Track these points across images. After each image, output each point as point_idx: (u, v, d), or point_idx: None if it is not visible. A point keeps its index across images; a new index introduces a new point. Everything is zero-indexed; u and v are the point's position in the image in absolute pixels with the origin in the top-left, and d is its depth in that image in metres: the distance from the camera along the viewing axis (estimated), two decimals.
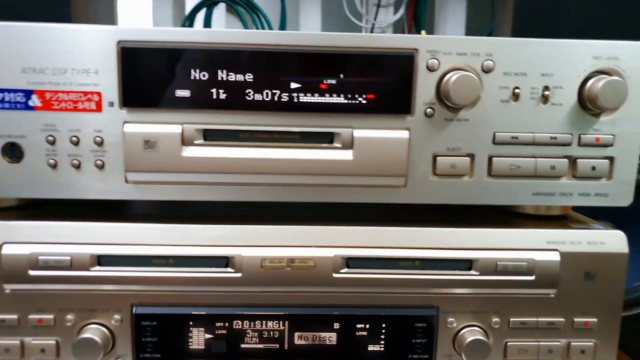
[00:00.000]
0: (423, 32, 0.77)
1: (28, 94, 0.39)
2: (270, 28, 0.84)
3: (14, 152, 0.39)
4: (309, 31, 0.83)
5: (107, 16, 0.68)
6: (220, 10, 0.85)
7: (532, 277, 0.41)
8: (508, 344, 0.43)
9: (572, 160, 0.42)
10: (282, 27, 0.87)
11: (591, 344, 0.43)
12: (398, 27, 0.86)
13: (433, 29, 0.82)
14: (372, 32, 0.83)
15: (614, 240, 0.42)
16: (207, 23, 0.85)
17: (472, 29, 0.81)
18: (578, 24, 0.54)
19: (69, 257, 0.39)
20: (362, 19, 0.85)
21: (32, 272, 0.39)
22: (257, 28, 0.85)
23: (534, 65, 0.40)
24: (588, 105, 0.40)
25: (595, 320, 0.43)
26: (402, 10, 0.83)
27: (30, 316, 0.40)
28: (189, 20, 0.84)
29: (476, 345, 0.41)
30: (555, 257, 0.42)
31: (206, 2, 0.84)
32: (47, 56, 0.38)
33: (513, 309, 0.42)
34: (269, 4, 0.88)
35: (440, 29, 0.80)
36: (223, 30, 0.41)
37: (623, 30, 0.53)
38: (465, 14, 0.79)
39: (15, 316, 0.40)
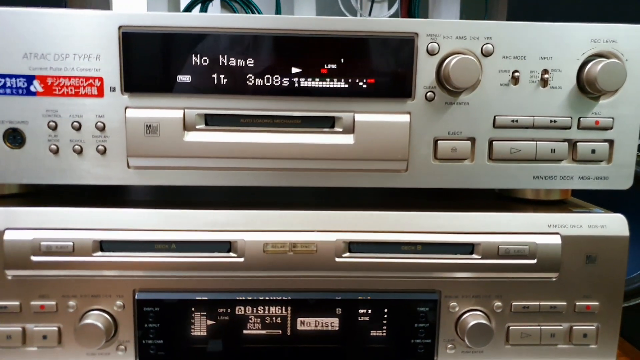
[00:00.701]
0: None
1: (30, 79, 0.39)
2: None
3: (15, 137, 0.39)
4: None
5: (102, 8, 0.68)
6: (215, 6, 0.85)
7: (534, 261, 0.42)
8: (510, 328, 0.43)
9: (572, 144, 0.42)
10: None
11: (593, 327, 0.43)
12: None
13: None
14: None
15: (614, 224, 0.42)
16: None
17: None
18: (572, 11, 0.54)
19: (71, 243, 0.39)
20: (357, 14, 0.85)
21: (34, 258, 0.39)
22: None
23: (533, 49, 0.40)
24: (587, 88, 0.40)
25: (597, 303, 0.43)
26: (396, 5, 0.83)
27: (32, 302, 0.40)
28: None
29: (479, 329, 0.41)
30: (556, 240, 0.42)
31: None
32: (48, 41, 0.38)
33: (515, 293, 0.42)
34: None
35: None
36: (224, 15, 0.41)
37: (618, 15, 0.53)
38: (459, 6, 0.79)
39: (17, 302, 0.40)
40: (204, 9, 0.85)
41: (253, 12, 0.87)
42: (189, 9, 0.85)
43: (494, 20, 0.65)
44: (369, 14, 0.84)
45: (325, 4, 0.88)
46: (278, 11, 0.88)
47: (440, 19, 0.80)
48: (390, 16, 0.85)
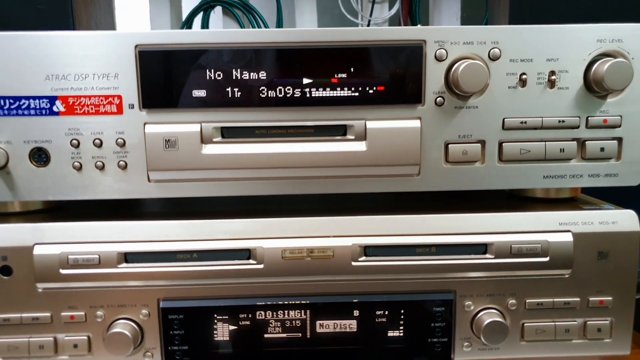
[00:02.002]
0: (419, 25, 0.78)
1: (52, 100, 0.40)
2: (266, 27, 0.85)
3: (40, 156, 0.41)
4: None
5: (107, 22, 0.69)
6: (217, 13, 0.86)
7: (547, 259, 0.42)
8: (525, 324, 0.44)
9: (581, 143, 0.42)
10: (279, 26, 0.88)
11: (607, 322, 0.44)
12: (394, 23, 0.86)
13: (428, 22, 0.83)
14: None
15: (625, 220, 0.43)
16: (205, 26, 0.86)
17: (467, 20, 0.81)
18: (574, 10, 0.54)
19: (97, 256, 0.41)
20: (358, 15, 0.86)
21: (62, 271, 0.41)
22: (254, 28, 0.86)
23: (539, 51, 0.41)
24: (594, 87, 0.41)
25: (610, 298, 0.43)
26: (397, 6, 0.83)
27: (63, 313, 0.42)
28: (187, 25, 0.86)
29: (494, 327, 0.42)
30: (568, 238, 0.43)
31: (203, 5, 0.86)
32: (68, 63, 0.40)
33: (529, 291, 0.43)
34: (265, 3, 0.89)
35: (435, 21, 0.81)
36: (236, 30, 0.42)
37: (621, 13, 0.54)
38: (460, 5, 0.80)
39: (48, 314, 0.42)
40: (206, 17, 0.86)
41: (255, 18, 0.87)
42: (191, 17, 0.86)
43: (495, 19, 0.66)
44: (370, 15, 0.85)
45: (325, 7, 0.89)
46: (279, 15, 0.89)
47: (441, 18, 0.81)
48: (391, 17, 0.85)
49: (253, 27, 0.87)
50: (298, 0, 0.85)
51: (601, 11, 0.54)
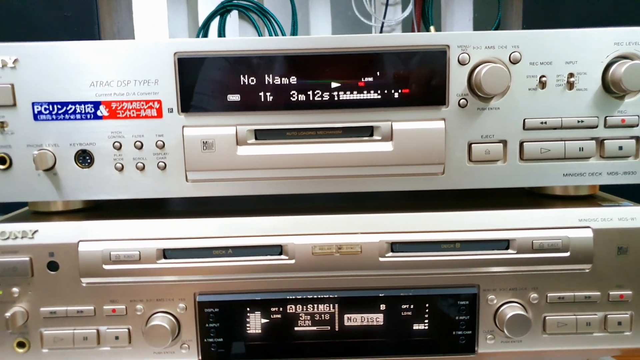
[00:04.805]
0: (432, 27, 0.80)
1: (96, 105, 0.43)
2: (282, 31, 0.87)
3: (85, 158, 0.43)
4: (321, 32, 0.86)
5: (128, 28, 0.72)
6: (233, 17, 0.88)
7: (567, 254, 0.44)
8: (547, 318, 0.45)
9: (600, 142, 0.44)
10: (294, 29, 0.90)
11: (627, 315, 0.45)
12: (407, 24, 0.88)
13: (441, 23, 0.85)
14: (381, 30, 0.86)
15: None
16: (221, 29, 0.88)
17: (479, 21, 0.83)
18: (587, 10, 0.55)
19: (137, 252, 0.43)
20: (372, 18, 0.88)
21: (105, 267, 0.43)
22: (269, 32, 0.88)
23: (558, 54, 0.43)
24: (612, 88, 0.43)
25: (630, 292, 0.45)
26: (410, 7, 0.85)
27: (105, 307, 0.44)
28: (203, 29, 0.88)
29: (517, 320, 0.44)
30: (588, 233, 0.44)
31: (219, 10, 0.88)
32: (112, 70, 0.42)
33: (550, 285, 0.45)
34: (279, 7, 0.90)
35: (448, 22, 0.82)
36: (268, 38, 0.44)
37: (633, 15, 0.55)
38: (472, 6, 0.81)
39: (91, 307, 0.44)
40: (222, 21, 0.89)
41: (270, 22, 0.89)
42: (207, 21, 0.88)
43: (507, 19, 0.67)
44: (384, 17, 0.87)
45: (339, 10, 0.91)
46: (294, 18, 0.91)
47: (454, 19, 0.82)
48: (404, 19, 0.87)
49: (268, 30, 0.89)
50: (312, 3, 0.87)
51: (613, 12, 0.55)
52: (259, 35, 0.87)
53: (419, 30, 0.82)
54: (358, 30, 0.90)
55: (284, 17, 0.91)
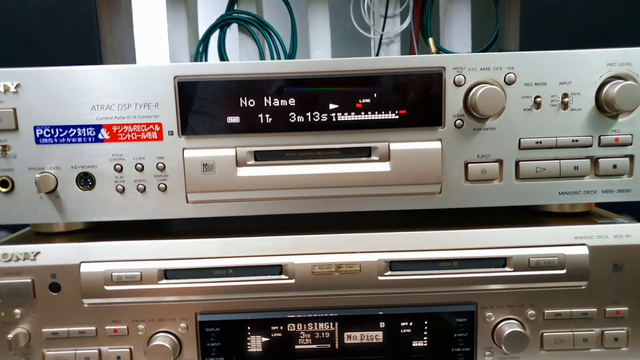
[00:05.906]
0: (430, 39, 0.80)
1: (97, 128, 0.43)
2: (281, 43, 0.88)
3: (86, 180, 0.44)
4: (321, 45, 0.86)
5: (128, 43, 0.72)
6: (232, 30, 0.89)
7: (564, 271, 0.44)
8: (544, 334, 0.46)
9: (594, 160, 0.45)
10: (293, 42, 0.91)
11: (624, 331, 0.46)
12: (405, 36, 0.89)
13: (439, 35, 0.86)
14: (380, 42, 0.87)
15: (639, 233, 0.45)
16: (221, 43, 0.89)
17: (477, 32, 0.83)
18: (585, 26, 0.56)
19: (139, 273, 0.44)
20: (370, 30, 0.88)
21: (107, 287, 0.44)
22: (269, 44, 0.88)
23: (552, 75, 0.43)
24: (606, 108, 0.43)
25: (626, 308, 0.45)
26: (408, 20, 0.86)
27: (107, 327, 0.44)
28: (203, 43, 0.89)
29: (514, 336, 0.44)
30: (584, 251, 0.45)
31: (219, 23, 0.89)
32: (113, 93, 0.43)
33: (547, 302, 0.45)
34: (279, 20, 0.91)
35: (447, 34, 0.83)
36: (267, 62, 0.45)
37: (630, 31, 0.55)
38: (470, 19, 0.82)
39: (93, 327, 0.44)
40: (222, 34, 0.90)
41: (270, 35, 0.90)
42: (207, 35, 0.89)
43: (505, 31, 0.68)
44: (382, 30, 0.88)
45: (338, 22, 0.91)
46: (294, 32, 0.92)
47: (452, 31, 0.83)
48: (403, 31, 0.88)
49: (268, 43, 0.90)
50: (311, 16, 0.88)
51: (614, 27, 0.56)
52: (259, 48, 0.87)
53: (417, 42, 0.83)
54: (357, 43, 0.91)
55: (283, 30, 0.91)
